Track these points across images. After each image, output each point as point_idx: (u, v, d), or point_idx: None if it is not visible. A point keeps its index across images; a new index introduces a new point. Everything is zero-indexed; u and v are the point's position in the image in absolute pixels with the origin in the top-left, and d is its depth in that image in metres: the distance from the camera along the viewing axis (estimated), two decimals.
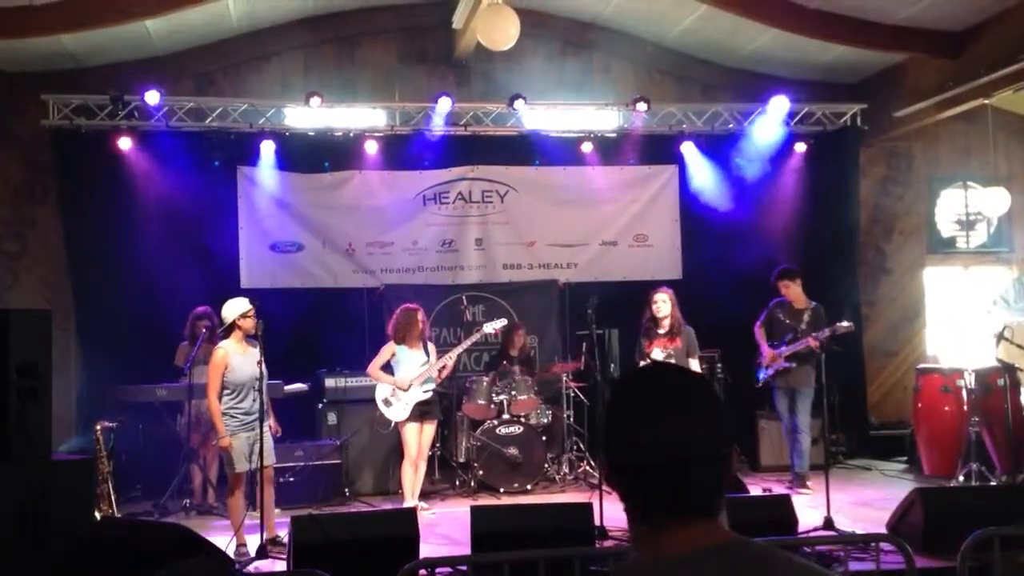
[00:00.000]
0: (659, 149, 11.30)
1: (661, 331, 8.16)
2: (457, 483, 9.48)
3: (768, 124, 11.03)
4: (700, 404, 1.61)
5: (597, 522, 6.60)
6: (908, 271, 12.24)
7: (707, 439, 1.58)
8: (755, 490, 8.58)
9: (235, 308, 7.14)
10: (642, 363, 8.46)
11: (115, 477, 8.02)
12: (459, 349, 8.94)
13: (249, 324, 7.06)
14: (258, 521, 7.09)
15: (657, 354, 8.10)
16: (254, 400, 6.99)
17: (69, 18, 9.01)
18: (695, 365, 8.17)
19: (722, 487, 1.61)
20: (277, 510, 8.08)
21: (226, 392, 7.00)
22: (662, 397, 1.61)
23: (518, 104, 10.35)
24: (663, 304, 8.17)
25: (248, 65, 10.98)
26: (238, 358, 7.03)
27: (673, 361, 8.06)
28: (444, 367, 8.63)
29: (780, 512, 6.30)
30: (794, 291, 9.12)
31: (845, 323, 8.48)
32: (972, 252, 12.43)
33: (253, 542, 6.93)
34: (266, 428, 7.05)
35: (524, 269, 11.20)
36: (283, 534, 6.82)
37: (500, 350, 10.01)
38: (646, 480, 1.58)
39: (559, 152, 11.12)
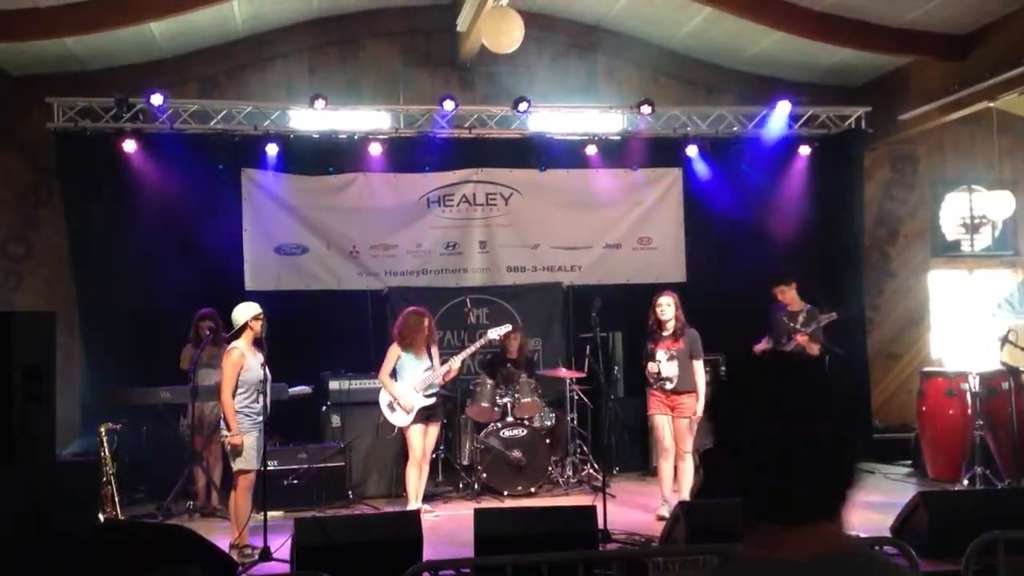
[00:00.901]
0: (663, 152, 11.28)
1: (665, 333, 8.16)
2: (461, 486, 9.46)
3: (772, 127, 11.02)
4: (807, 400, 1.52)
5: (601, 525, 6.60)
6: (912, 274, 12.22)
7: (813, 438, 1.48)
8: None
9: (247, 311, 7.23)
10: (650, 364, 8.33)
11: (119, 479, 8.03)
12: (464, 354, 8.94)
13: (259, 327, 7.15)
14: (260, 523, 7.09)
15: (661, 356, 8.10)
16: (261, 402, 7.09)
17: (74, 21, 9.02)
18: (699, 368, 8.17)
19: (838, 487, 1.50)
20: (280, 513, 8.11)
21: (240, 391, 7.05)
22: (767, 396, 1.53)
23: (522, 107, 10.33)
24: (667, 308, 8.18)
25: (252, 67, 11.00)
26: (251, 359, 7.13)
27: (676, 362, 8.06)
28: (449, 371, 8.64)
29: None
30: (790, 295, 9.18)
31: (827, 314, 8.55)
32: (977, 255, 12.42)
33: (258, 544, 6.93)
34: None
35: (528, 272, 11.19)
36: (257, 543, 6.87)
37: (498, 354, 10.01)
38: (750, 480, 1.52)
39: (563, 155, 11.10)
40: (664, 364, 8.06)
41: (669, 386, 8.04)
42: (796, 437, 1.48)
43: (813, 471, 1.48)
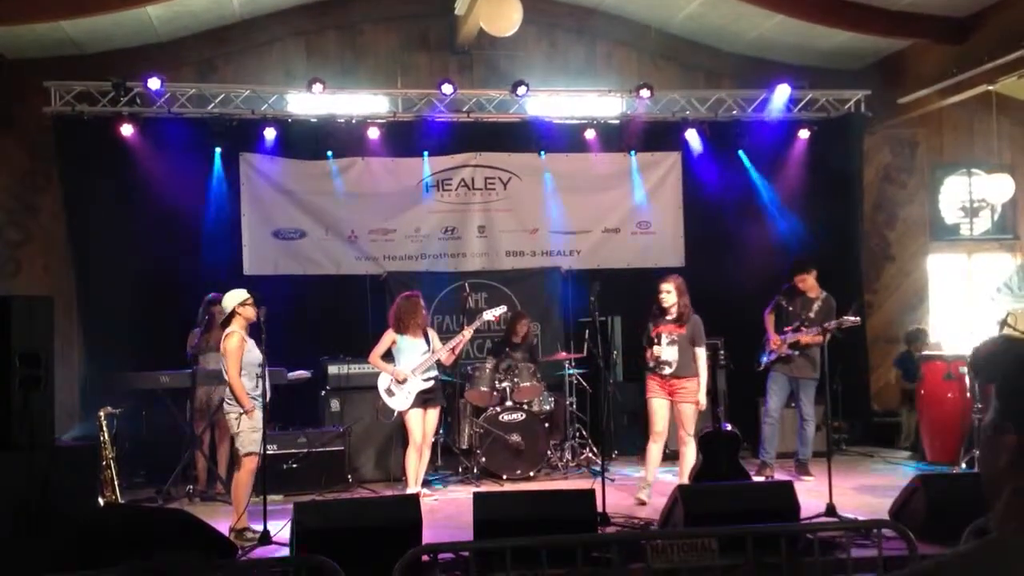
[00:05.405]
0: (662, 136, 11.26)
1: (669, 318, 8.16)
2: (460, 470, 9.49)
3: (772, 111, 10.99)
4: None
5: (599, 509, 6.61)
6: (912, 258, 12.22)
7: None
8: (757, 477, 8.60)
9: (234, 298, 7.25)
10: (653, 348, 8.31)
11: (118, 463, 8.02)
12: (467, 334, 8.84)
13: (250, 312, 7.16)
14: (259, 507, 7.10)
15: (663, 339, 8.09)
16: (261, 386, 7.13)
17: (70, 4, 9.00)
18: (701, 354, 8.12)
19: None
20: (279, 496, 8.12)
21: (243, 374, 7.08)
22: None
23: (521, 91, 10.31)
24: (667, 295, 8.16)
25: (250, 51, 10.95)
26: (249, 342, 7.16)
27: (677, 347, 8.03)
28: (461, 340, 8.63)
29: (782, 498, 6.30)
30: (809, 283, 9.14)
31: (852, 317, 8.40)
32: (976, 239, 12.41)
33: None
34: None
35: (527, 256, 11.18)
36: (256, 527, 6.89)
37: (503, 338, 10.00)
38: None
39: (562, 139, 11.08)
40: (665, 348, 8.03)
41: (668, 371, 8.01)
42: None
43: None
